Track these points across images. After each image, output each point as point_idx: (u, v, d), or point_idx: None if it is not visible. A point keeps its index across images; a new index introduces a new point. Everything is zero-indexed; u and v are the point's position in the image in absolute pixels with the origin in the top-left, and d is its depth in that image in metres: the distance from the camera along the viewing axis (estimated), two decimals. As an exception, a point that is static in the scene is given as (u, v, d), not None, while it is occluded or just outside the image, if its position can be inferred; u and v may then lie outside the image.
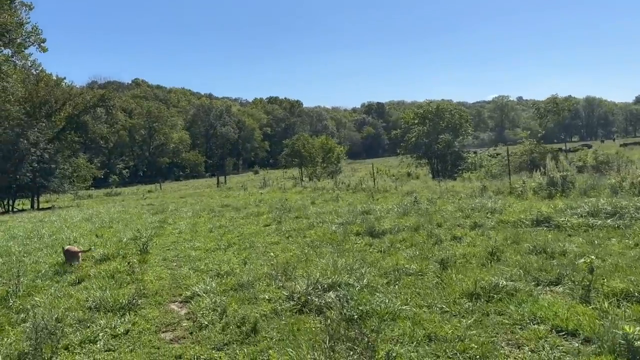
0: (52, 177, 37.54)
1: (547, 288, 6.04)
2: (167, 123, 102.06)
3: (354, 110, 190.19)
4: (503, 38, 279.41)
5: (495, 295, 5.75)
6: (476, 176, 24.86)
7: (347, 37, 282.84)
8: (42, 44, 38.46)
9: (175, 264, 9.38)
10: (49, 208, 32.96)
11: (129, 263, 8.75)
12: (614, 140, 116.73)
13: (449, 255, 7.73)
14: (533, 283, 6.20)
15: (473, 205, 12.58)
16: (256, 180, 50.63)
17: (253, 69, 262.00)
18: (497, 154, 35.61)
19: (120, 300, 6.68)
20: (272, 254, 9.27)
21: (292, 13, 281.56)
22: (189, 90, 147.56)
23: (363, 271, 7.15)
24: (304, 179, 38.65)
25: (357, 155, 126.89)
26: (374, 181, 23.54)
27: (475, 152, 34.84)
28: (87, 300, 6.90)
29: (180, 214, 19.38)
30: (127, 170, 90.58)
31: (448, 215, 11.72)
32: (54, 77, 47.56)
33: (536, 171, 16.33)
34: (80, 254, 9.64)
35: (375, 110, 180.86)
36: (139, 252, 10.18)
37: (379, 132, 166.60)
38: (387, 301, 5.75)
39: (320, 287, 6.38)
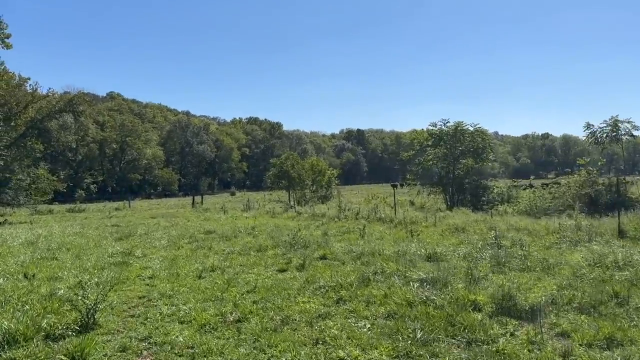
0: (6, 187, 32.70)
1: None
2: (141, 138, 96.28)
3: (333, 135, 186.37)
4: (481, 74, 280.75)
5: None
6: (515, 210, 20.83)
7: (327, 66, 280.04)
8: (5, 40, 34.28)
9: (144, 365, 4.74)
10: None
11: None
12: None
13: None
14: None
15: (616, 257, 8.07)
16: (234, 201, 46.02)
17: (232, 89, 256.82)
18: (530, 186, 31.38)
19: None
20: (341, 352, 4.74)
21: (272, 39, 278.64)
22: (166, 106, 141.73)
23: None
24: (292, 203, 34.08)
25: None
26: (395, 210, 19.23)
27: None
28: None
29: (152, 241, 14.81)
30: (95, 185, 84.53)
31: (593, 274, 7.21)
32: (17, 77, 42.80)
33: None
34: None
35: (355, 136, 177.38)
36: (77, 326, 5.56)
37: (359, 159, 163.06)
38: None
39: None
